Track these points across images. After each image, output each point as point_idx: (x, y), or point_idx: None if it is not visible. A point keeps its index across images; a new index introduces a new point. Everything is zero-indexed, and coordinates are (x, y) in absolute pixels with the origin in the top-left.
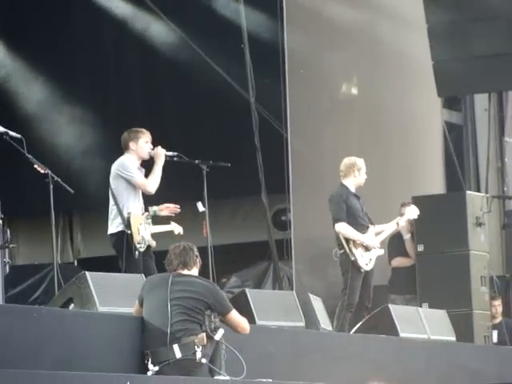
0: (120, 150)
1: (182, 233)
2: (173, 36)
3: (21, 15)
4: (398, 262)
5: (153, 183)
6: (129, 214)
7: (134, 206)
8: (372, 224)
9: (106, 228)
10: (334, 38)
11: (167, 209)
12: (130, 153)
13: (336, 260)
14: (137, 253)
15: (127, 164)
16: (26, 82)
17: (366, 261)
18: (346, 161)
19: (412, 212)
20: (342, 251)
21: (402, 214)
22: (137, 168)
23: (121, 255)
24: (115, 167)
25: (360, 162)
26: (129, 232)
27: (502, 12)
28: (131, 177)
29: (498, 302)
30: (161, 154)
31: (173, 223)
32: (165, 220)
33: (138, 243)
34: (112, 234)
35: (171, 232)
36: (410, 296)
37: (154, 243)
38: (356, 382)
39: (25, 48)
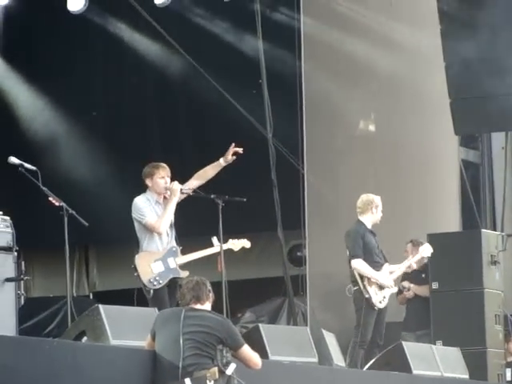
0: (136, 182)
1: (247, 246)
2: (191, 71)
3: (39, 47)
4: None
5: (163, 223)
6: (136, 256)
7: (153, 244)
8: (387, 261)
9: (122, 261)
10: (352, 75)
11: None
12: (149, 188)
13: (350, 296)
14: (151, 292)
15: (139, 206)
16: (42, 114)
17: (379, 299)
18: (364, 197)
19: (426, 250)
20: (356, 288)
21: (405, 251)
22: (151, 205)
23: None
24: (132, 209)
25: (377, 200)
26: (136, 274)
27: None
28: (141, 219)
29: None
30: (176, 189)
31: (213, 238)
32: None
33: (150, 282)
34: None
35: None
36: (421, 332)
37: (184, 274)
38: None
39: (40, 79)
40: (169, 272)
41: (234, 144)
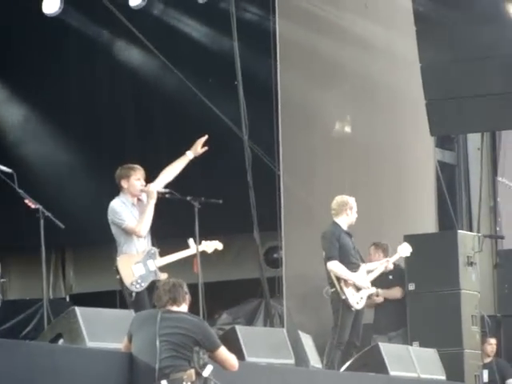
0: (112, 186)
1: (219, 248)
2: (166, 72)
3: (14, 48)
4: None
5: (143, 226)
6: (117, 258)
7: (130, 247)
8: (363, 262)
9: (98, 264)
10: (328, 77)
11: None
12: (123, 190)
13: (327, 298)
14: (133, 294)
15: (115, 209)
16: (18, 117)
17: (356, 300)
18: (338, 199)
19: (404, 250)
20: (333, 289)
21: (369, 254)
22: (128, 208)
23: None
24: (109, 213)
25: (351, 201)
26: (118, 277)
27: (493, 52)
28: (120, 223)
29: (494, 341)
30: (153, 191)
31: (189, 240)
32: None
33: (132, 284)
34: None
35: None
36: (393, 334)
37: (163, 276)
38: None
39: (14, 80)
40: (149, 274)
41: (201, 137)
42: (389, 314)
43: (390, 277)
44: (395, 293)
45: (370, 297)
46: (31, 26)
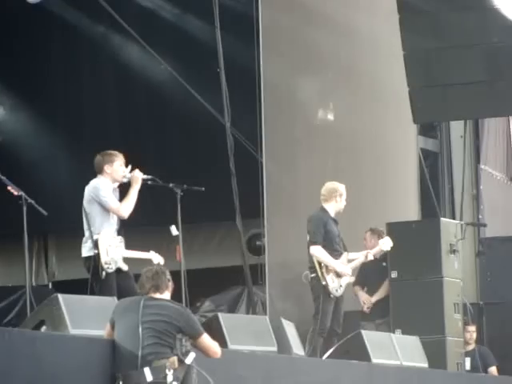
0: (94, 172)
1: (162, 263)
2: (148, 59)
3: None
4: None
5: (126, 208)
6: (98, 235)
7: (107, 229)
8: (346, 250)
9: (81, 251)
10: (311, 64)
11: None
12: (105, 175)
13: (306, 283)
14: (104, 273)
15: (101, 187)
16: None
17: (336, 286)
18: (329, 185)
19: (385, 244)
20: (313, 275)
21: (364, 239)
22: (111, 191)
23: (92, 277)
24: (89, 190)
25: (341, 188)
26: (96, 252)
27: (477, 39)
28: (105, 201)
29: (473, 328)
30: (138, 177)
31: (152, 252)
32: (150, 246)
33: (106, 263)
34: (85, 258)
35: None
36: (380, 321)
37: (125, 267)
38: None
39: None
40: (117, 261)
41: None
42: (376, 301)
43: (384, 264)
44: (385, 290)
45: (355, 284)
46: (15, 14)
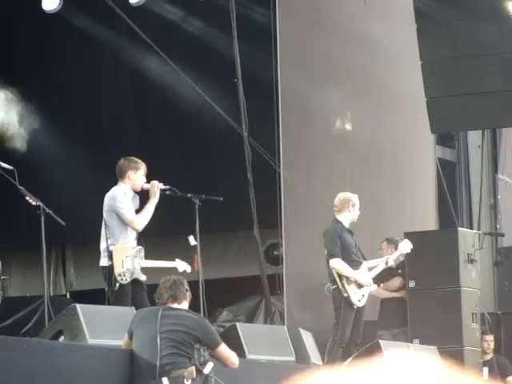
0: (113, 182)
1: (188, 270)
2: (166, 69)
3: (14, 45)
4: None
5: (142, 221)
6: (114, 246)
7: (125, 239)
8: (365, 259)
9: (98, 261)
10: (329, 74)
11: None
12: (126, 181)
13: (328, 295)
14: (117, 285)
15: (119, 198)
16: (19, 114)
17: (358, 297)
18: (341, 196)
19: (405, 246)
20: (334, 286)
21: (380, 249)
22: (130, 199)
23: (108, 288)
24: (108, 200)
25: (354, 198)
26: (110, 264)
27: (494, 49)
28: (122, 212)
29: (490, 338)
30: (156, 191)
31: (178, 260)
32: (168, 256)
33: (119, 275)
34: (102, 267)
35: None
36: (398, 330)
37: (143, 277)
38: None
39: (17, 78)
40: (134, 271)
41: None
42: (394, 310)
43: (399, 271)
44: (394, 282)
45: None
46: (31, 23)
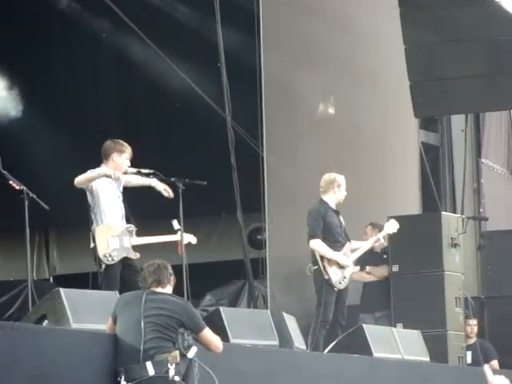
0: (97, 166)
1: (193, 242)
2: (149, 53)
3: None
4: (370, 270)
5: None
6: (96, 227)
7: (109, 219)
8: (349, 241)
9: (82, 245)
10: (312, 58)
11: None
12: (109, 164)
13: (310, 275)
14: (103, 266)
15: (91, 170)
16: (1, 97)
17: (339, 279)
18: (326, 177)
19: (391, 226)
20: (315, 267)
21: (365, 234)
22: (110, 180)
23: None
24: None
25: (340, 179)
26: (93, 245)
27: (478, 33)
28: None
29: (474, 322)
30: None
31: (179, 233)
32: (161, 246)
33: (104, 256)
34: (92, 248)
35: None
36: (380, 314)
37: (135, 255)
38: None
39: None
40: (122, 250)
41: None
42: (376, 293)
43: (384, 256)
44: (383, 271)
45: (358, 271)
46: (14, 8)
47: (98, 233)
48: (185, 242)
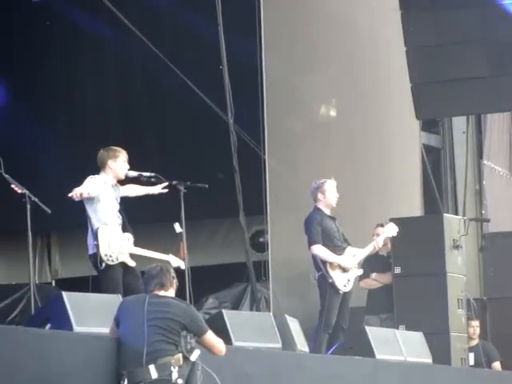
0: (98, 170)
1: (182, 267)
2: (151, 56)
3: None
4: (376, 277)
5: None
6: (99, 226)
7: (109, 224)
8: (349, 245)
9: (84, 249)
10: (313, 61)
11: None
12: (107, 171)
13: (314, 282)
14: (103, 264)
15: (86, 181)
16: (2, 101)
17: (343, 282)
18: (311, 185)
19: (390, 230)
20: (319, 273)
21: (377, 235)
22: (110, 188)
23: (95, 269)
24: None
25: (324, 184)
26: (95, 243)
27: (479, 35)
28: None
29: (476, 324)
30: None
31: (171, 255)
32: (153, 243)
33: (105, 255)
34: (89, 255)
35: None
36: (385, 315)
37: (132, 262)
38: None
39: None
40: (122, 255)
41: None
42: (381, 295)
43: (390, 260)
44: (388, 278)
45: (362, 278)
46: (15, 11)
47: (101, 232)
48: (174, 265)
